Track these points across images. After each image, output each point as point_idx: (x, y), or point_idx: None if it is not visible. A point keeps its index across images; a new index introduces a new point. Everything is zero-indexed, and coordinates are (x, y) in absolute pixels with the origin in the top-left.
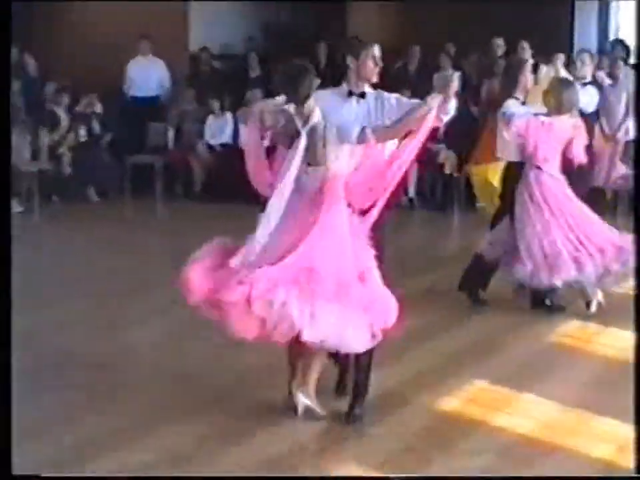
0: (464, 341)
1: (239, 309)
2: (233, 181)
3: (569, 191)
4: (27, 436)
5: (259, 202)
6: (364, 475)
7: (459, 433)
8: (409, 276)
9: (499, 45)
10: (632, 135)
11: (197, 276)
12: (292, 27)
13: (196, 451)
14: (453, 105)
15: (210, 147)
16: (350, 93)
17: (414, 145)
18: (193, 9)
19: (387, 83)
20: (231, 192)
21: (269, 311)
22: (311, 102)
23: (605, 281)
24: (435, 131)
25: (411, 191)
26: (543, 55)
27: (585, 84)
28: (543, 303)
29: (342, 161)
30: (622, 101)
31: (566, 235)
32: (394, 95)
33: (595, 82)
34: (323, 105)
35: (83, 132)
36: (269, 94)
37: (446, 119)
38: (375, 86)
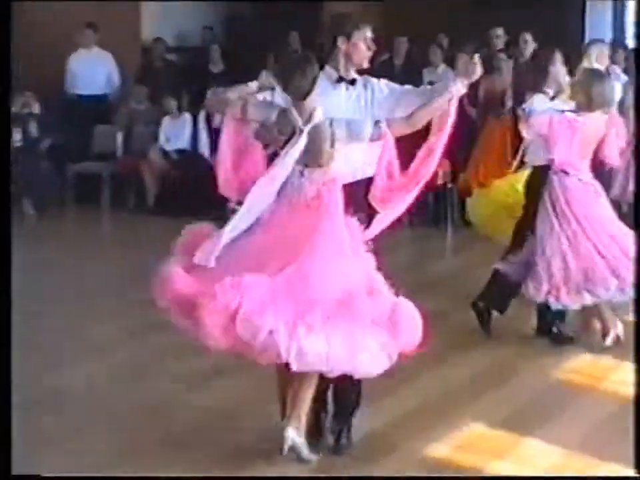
0: (458, 376)
1: (219, 320)
2: (192, 192)
3: (603, 199)
4: None
5: (224, 217)
6: None
7: None
8: None
9: (499, 35)
10: None
11: (176, 274)
12: (258, 15)
13: None
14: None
15: (165, 153)
16: (340, 79)
17: (442, 138)
18: None
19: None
20: (189, 205)
21: (254, 336)
22: (313, 97)
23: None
24: (424, 133)
25: None
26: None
27: None
28: (550, 330)
29: (341, 161)
30: None
31: (597, 248)
32: (383, 81)
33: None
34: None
35: (17, 136)
36: None
37: None
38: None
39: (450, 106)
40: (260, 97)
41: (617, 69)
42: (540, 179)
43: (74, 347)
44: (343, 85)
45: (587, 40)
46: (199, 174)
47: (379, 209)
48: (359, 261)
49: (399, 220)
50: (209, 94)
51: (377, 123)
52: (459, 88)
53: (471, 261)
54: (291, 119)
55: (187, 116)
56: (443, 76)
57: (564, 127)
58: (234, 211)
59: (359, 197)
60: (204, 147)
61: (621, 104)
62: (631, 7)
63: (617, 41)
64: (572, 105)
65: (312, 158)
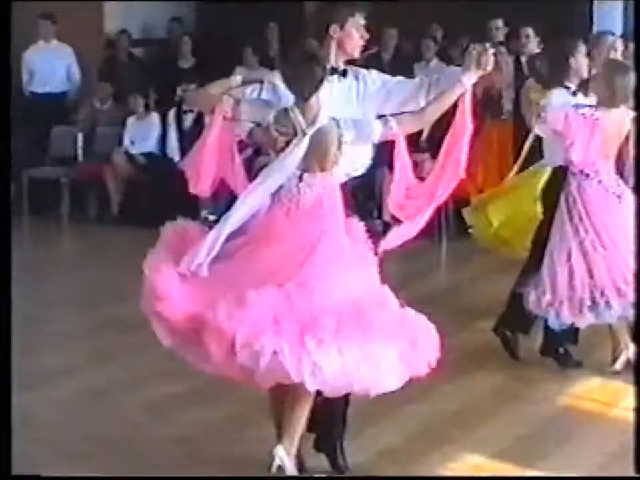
0: (455, 401)
1: (220, 348)
2: (160, 199)
3: (625, 205)
4: None
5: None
6: None
7: None
8: None
9: (499, 27)
10: None
11: (172, 284)
12: (233, 4)
13: None
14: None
15: (130, 157)
16: (332, 70)
17: (464, 134)
18: None
19: None
20: (157, 213)
21: (257, 361)
22: (319, 97)
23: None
24: (415, 135)
25: (386, 214)
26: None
27: None
28: (556, 351)
29: (345, 164)
30: None
31: (609, 262)
32: (374, 72)
33: None
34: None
35: None
36: None
37: None
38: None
39: (462, 102)
40: (247, 91)
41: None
42: (558, 181)
43: (27, 372)
44: (335, 77)
45: (594, 32)
46: (168, 179)
47: (402, 218)
48: (365, 269)
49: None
50: (179, 91)
51: (386, 121)
52: (471, 79)
53: (468, 275)
54: (293, 120)
55: (155, 116)
56: (435, 71)
57: (581, 123)
58: (205, 220)
59: (346, 197)
60: (173, 150)
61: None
62: None
63: (628, 34)
64: (593, 100)
65: (314, 162)
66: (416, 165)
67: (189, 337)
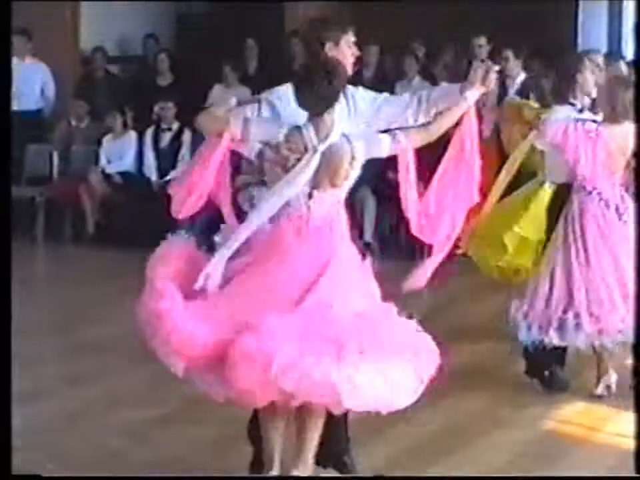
0: (438, 424)
1: (255, 377)
2: (137, 219)
3: (628, 226)
4: None
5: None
6: None
7: None
8: None
9: (482, 45)
10: None
11: (184, 314)
12: (212, 19)
13: None
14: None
15: (106, 176)
16: None
17: (473, 149)
18: None
19: None
20: (134, 234)
21: (305, 383)
22: (333, 113)
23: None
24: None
25: (368, 234)
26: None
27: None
28: (541, 372)
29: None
30: None
31: (591, 285)
32: (361, 89)
33: None
34: (291, 106)
35: None
36: (184, 107)
37: None
38: None
39: (466, 118)
40: (247, 111)
41: None
42: (560, 199)
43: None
44: None
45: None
46: (145, 199)
47: (427, 239)
48: (368, 284)
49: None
50: (157, 109)
51: (394, 135)
52: (475, 96)
53: (451, 295)
54: (305, 137)
55: (132, 134)
56: (418, 89)
57: (582, 137)
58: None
59: None
60: (150, 169)
61: None
62: (628, 15)
63: (613, 52)
64: (601, 117)
65: (325, 179)
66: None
67: (205, 365)
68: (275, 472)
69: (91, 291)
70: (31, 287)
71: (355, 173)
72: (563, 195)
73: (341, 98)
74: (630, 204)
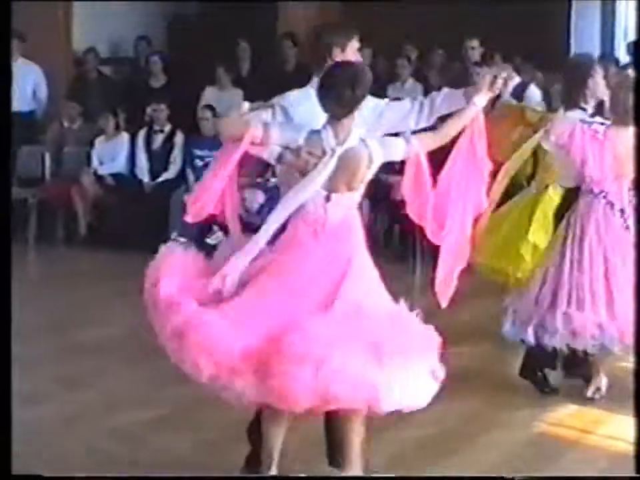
0: (429, 427)
1: (305, 383)
2: (129, 221)
3: (630, 235)
4: None
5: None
6: None
7: None
8: None
9: (474, 47)
10: None
11: (214, 324)
12: (202, 22)
13: None
14: None
15: (99, 178)
16: None
17: (483, 154)
18: None
19: None
20: (126, 235)
21: (348, 388)
22: (353, 118)
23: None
24: None
25: None
26: (528, 64)
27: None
28: (535, 374)
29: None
30: None
31: (576, 289)
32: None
33: None
34: (301, 111)
35: None
36: (176, 109)
37: None
38: None
39: (475, 123)
40: (264, 116)
41: None
42: (568, 202)
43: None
44: None
45: (572, 54)
46: (137, 201)
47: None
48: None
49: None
50: (149, 110)
51: (408, 139)
52: (483, 101)
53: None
54: (323, 140)
55: (124, 136)
56: (411, 92)
57: (588, 137)
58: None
59: None
60: (142, 170)
61: None
62: (620, 17)
63: (606, 55)
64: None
65: (342, 182)
66: (389, 187)
67: (236, 370)
68: (272, 472)
69: (83, 293)
70: (23, 288)
71: (370, 176)
72: (570, 199)
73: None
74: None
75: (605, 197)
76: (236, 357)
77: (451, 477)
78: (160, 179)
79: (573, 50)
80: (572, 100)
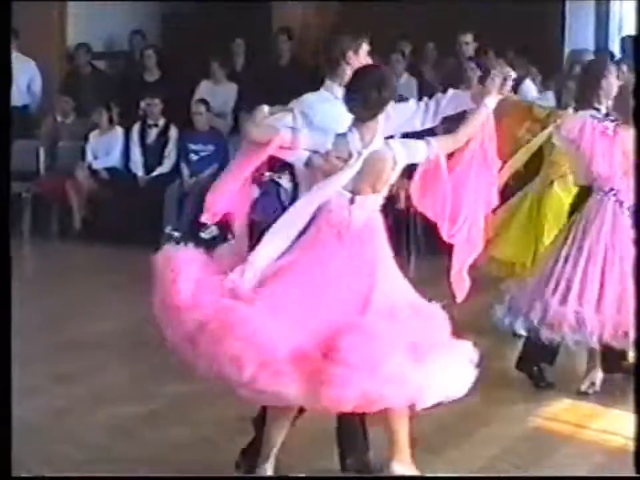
0: (425, 422)
1: (356, 382)
2: (123, 215)
3: (631, 234)
4: None
5: (159, 241)
6: None
7: None
8: None
9: (468, 42)
10: None
11: (272, 329)
12: (199, 17)
13: None
14: None
15: (93, 172)
16: None
17: (494, 154)
18: None
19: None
20: (120, 229)
21: (397, 389)
22: (379, 120)
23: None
24: None
25: None
26: (522, 59)
27: None
28: (532, 366)
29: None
30: None
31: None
32: None
33: None
34: (319, 115)
35: None
36: (170, 103)
37: None
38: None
39: (486, 125)
40: (286, 120)
41: None
42: (580, 201)
43: None
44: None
45: (566, 49)
46: (132, 195)
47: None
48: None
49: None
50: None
51: (428, 142)
52: (493, 103)
53: (437, 294)
54: (349, 142)
55: (118, 130)
56: (405, 87)
57: (598, 133)
58: (170, 236)
59: None
60: (136, 165)
61: None
62: (615, 14)
63: (601, 50)
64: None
65: (367, 184)
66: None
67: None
68: (269, 467)
69: (77, 287)
70: (17, 282)
71: (394, 178)
72: (583, 197)
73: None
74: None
75: (615, 195)
76: (283, 359)
77: (451, 476)
78: (154, 173)
79: (567, 47)
80: (586, 100)
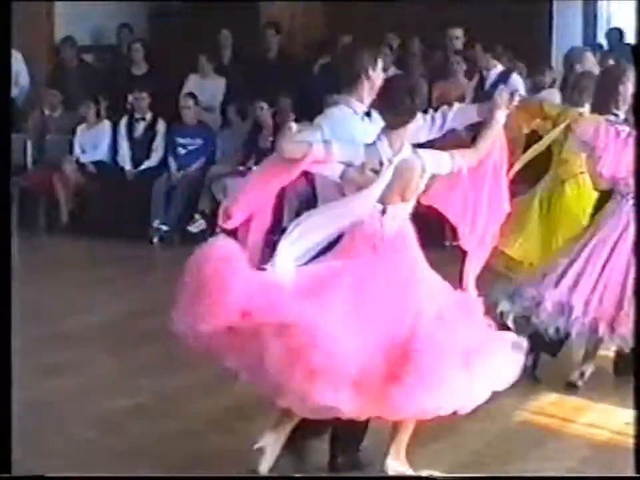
0: None
1: (421, 397)
2: (111, 208)
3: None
4: None
5: (147, 235)
6: None
7: None
8: None
9: (457, 36)
10: None
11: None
12: (187, 11)
13: None
14: None
15: (81, 166)
16: (367, 114)
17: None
18: None
19: (308, 83)
20: (108, 223)
21: (448, 397)
22: (408, 129)
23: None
24: None
25: None
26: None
27: None
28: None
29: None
30: None
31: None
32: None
33: None
34: (345, 129)
35: None
36: (158, 97)
37: None
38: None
39: (498, 138)
40: (316, 135)
41: None
42: (599, 205)
43: None
44: (366, 119)
45: (554, 46)
46: (119, 188)
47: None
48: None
49: None
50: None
51: (452, 154)
52: (504, 117)
53: None
54: (380, 151)
55: (106, 124)
56: None
57: (612, 136)
58: (158, 230)
59: None
60: (124, 159)
61: None
62: (602, 11)
63: (590, 45)
64: None
65: (396, 194)
66: None
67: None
68: (264, 465)
69: (65, 281)
70: None
71: (422, 186)
72: (602, 202)
73: (374, 119)
74: None
75: (633, 198)
76: (351, 376)
77: (451, 476)
78: (142, 167)
79: (555, 44)
80: (604, 106)
